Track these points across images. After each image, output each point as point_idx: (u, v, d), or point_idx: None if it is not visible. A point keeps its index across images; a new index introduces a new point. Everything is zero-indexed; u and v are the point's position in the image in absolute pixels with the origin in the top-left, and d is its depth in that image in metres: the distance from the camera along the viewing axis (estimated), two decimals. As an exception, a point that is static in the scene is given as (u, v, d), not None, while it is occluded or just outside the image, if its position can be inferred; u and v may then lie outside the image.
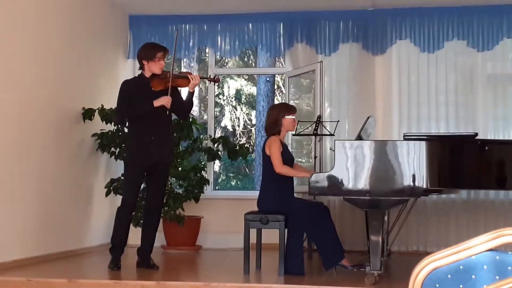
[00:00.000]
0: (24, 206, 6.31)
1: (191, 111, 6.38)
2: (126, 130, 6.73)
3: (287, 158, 5.95)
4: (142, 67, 6.07)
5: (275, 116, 6.00)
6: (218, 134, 13.85)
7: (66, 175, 7.09)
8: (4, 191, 5.99)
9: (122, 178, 6.68)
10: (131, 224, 6.17)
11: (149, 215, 6.17)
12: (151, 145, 5.87)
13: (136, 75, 6.54)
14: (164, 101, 5.86)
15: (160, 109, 5.87)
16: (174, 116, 6.36)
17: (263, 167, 6.07)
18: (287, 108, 6.12)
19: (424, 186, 5.12)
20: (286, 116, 5.99)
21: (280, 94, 14.85)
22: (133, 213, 6.23)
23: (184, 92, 6.35)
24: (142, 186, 6.28)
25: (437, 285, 1.95)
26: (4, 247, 5.97)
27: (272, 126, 6.00)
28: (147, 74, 6.02)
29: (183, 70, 14.50)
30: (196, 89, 6.22)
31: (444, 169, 5.30)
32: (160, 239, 7.61)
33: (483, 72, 8.02)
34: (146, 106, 5.89)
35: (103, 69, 8.11)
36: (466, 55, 8.06)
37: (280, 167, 5.81)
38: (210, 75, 6.95)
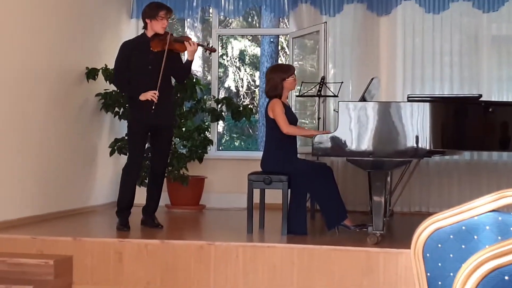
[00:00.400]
0: (29, 165, 6.34)
1: (188, 76, 6.34)
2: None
3: (291, 119, 5.95)
4: (145, 26, 6.06)
5: (275, 80, 5.97)
6: (222, 95, 13.79)
7: (70, 135, 7.11)
8: (8, 151, 6.02)
9: (126, 138, 6.70)
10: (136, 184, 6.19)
11: (153, 176, 6.20)
12: (151, 107, 5.86)
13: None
14: (149, 95, 5.83)
15: (162, 69, 5.84)
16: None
17: (266, 129, 6.08)
18: (286, 70, 6.08)
19: (427, 147, 5.13)
20: (286, 79, 5.98)
21: (284, 55, 14.78)
22: (139, 173, 6.25)
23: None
24: (147, 146, 6.29)
25: (439, 245, 1.97)
26: (9, 205, 6.02)
27: (273, 90, 5.98)
28: (150, 33, 6.01)
29: (186, 30, 14.42)
30: (197, 54, 6.19)
31: (447, 131, 5.30)
32: (164, 198, 7.65)
33: (488, 33, 7.98)
34: (133, 92, 5.95)
35: (106, 29, 8.07)
36: (471, 16, 8.00)
37: (287, 127, 5.82)
38: (207, 43, 6.90)
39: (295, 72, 6.20)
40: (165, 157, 6.25)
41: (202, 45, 6.34)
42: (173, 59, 6.03)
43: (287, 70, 6.08)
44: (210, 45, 6.60)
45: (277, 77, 5.98)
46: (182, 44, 6.01)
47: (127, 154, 6.18)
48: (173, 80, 6.30)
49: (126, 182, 6.03)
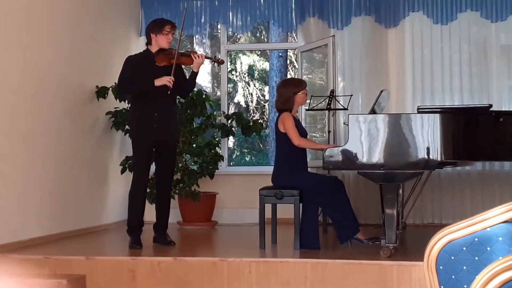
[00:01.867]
0: (41, 184, 6.35)
1: (192, 90, 6.36)
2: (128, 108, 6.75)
3: (301, 133, 5.94)
4: (149, 41, 6.07)
5: (286, 94, 5.98)
6: (232, 110, 13.85)
7: (81, 154, 7.13)
8: (20, 170, 6.04)
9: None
10: (146, 201, 6.19)
11: (159, 193, 6.20)
12: (154, 122, 5.88)
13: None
14: (166, 80, 5.85)
15: (162, 87, 5.87)
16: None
17: (277, 143, 6.07)
18: (298, 84, 6.09)
19: (439, 159, 5.11)
20: (298, 93, 5.98)
21: (292, 69, 14.80)
22: (147, 190, 6.25)
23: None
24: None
25: (452, 258, 1.95)
26: (21, 226, 6.03)
27: (284, 104, 5.99)
28: (154, 49, 6.03)
29: (195, 46, 14.48)
30: (204, 67, 6.21)
31: (458, 141, 5.28)
32: (176, 215, 7.66)
33: (496, 43, 7.96)
34: (147, 84, 5.90)
35: (116, 47, 8.11)
36: (479, 26, 7.99)
37: (298, 140, 5.82)
38: (215, 56, 6.93)
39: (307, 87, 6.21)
40: (171, 173, 6.24)
41: (209, 58, 6.35)
42: (178, 74, 6.05)
43: (299, 84, 6.09)
44: (218, 58, 6.60)
45: (288, 91, 5.99)
46: (188, 57, 6.04)
47: (133, 172, 6.16)
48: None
49: (134, 199, 6.02)
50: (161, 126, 5.90)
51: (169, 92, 5.83)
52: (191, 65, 6.05)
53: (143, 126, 5.92)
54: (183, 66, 6.26)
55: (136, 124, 6.05)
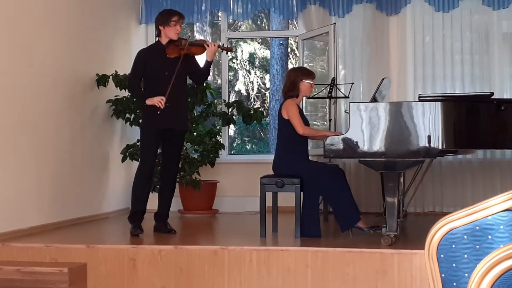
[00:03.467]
0: (41, 173, 6.35)
1: (207, 78, 6.38)
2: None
3: (304, 122, 5.93)
4: (159, 33, 6.10)
5: (293, 78, 5.98)
6: (232, 98, 13.84)
7: (81, 142, 7.12)
8: (20, 158, 6.03)
9: (138, 144, 6.70)
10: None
11: (164, 182, 6.20)
12: (165, 110, 5.88)
13: (149, 41, 6.54)
14: (156, 101, 5.84)
15: (174, 75, 5.86)
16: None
17: (279, 130, 6.06)
18: (306, 73, 6.10)
19: (440, 147, 5.10)
20: (304, 80, 5.97)
21: (294, 57, 14.78)
22: (152, 177, 6.24)
23: (201, 60, 6.32)
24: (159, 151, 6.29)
25: (453, 246, 1.95)
26: (22, 214, 6.03)
27: (290, 89, 5.98)
28: (164, 41, 6.06)
29: (196, 34, 14.44)
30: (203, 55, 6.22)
31: (460, 129, 5.27)
32: (176, 203, 7.66)
33: (498, 31, 7.93)
34: (139, 98, 6.11)
35: (116, 35, 8.09)
36: (481, 13, 7.96)
37: (303, 129, 5.81)
38: (223, 44, 6.93)
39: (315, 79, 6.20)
40: (177, 162, 6.25)
41: (220, 46, 6.34)
42: (190, 63, 6.06)
43: (308, 73, 6.10)
44: (227, 45, 6.61)
45: (296, 75, 6.00)
46: (199, 47, 6.07)
47: (139, 159, 6.18)
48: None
49: (138, 187, 6.03)
50: (171, 114, 5.90)
51: (158, 112, 5.83)
52: (201, 55, 6.07)
53: (153, 115, 5.91)
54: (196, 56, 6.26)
55: (147, 112, 6.04)
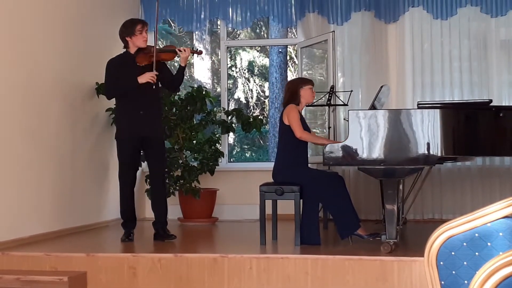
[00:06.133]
0: (41, 181, 6.35)
1: (182, 84, 6.40)
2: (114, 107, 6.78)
3: (304, 128, 5.95)
4: (126, 44, 6.15)
5: (293, 88, 6.01)
6: (232, 106, 13.85)
7: (81, 150, 7.13)
8: (20, 167, 6.04)
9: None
10: (146, 197, 6.23)
11: (153, 190, 6.27)
12: (140, 119, 5.94)
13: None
14: (148, 77, 5.90)
15: (146, 84, 5.92)
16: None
17: (279, 137, 6.08)
18: (305, 80, 6.17)
19: (439, 154, 5.11)
20: (304, 87, 5.99)
21: (292, 65, 14.80)
22: (134, 187, 6.32)
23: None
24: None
25: (452, 253, 1.95)
26: (22, 223, 6.03)
27: (291, 99, 6.00)
28: (132, 50, 6.11)
29: (195, 42, 14.46)
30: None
31: (458, 137, 5.27)
32: (176, 211, 7.66)
33: (496, 38, 7.96)
34: (131, 82, 5.96)
35: (115, 43, 8.05)
36: (479, 21, 7.98)
37: (301, 132, 5.82)
38: (193, 47, 6.98)
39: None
40: (162, 169, 6.25)
41: (192, 50, 6.32)
42: (162, 70, 6.11)
43: (306, 80, 6.16)
44: (196, 48, 6.63)
45: (295, 85, 6.04)
46: (169, 53, 6.15)
47: (119, 173, 6.23)
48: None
49: (123, 198, 6.19)
50: (147, 123, 5.99)
51: (153, 87, 5.89)
52: (173, 60, 6.13)
53: (128, 125, 5.99)
54: (167, 63, 6.30)
55: (122, 122, 6.11)
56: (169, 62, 6.49)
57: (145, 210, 8.14)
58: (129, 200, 6.19)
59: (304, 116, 7.81)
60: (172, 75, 6.22)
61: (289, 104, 6.00)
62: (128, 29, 6.08)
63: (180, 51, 6.06)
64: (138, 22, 6.14)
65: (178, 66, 6.19)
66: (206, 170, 7.91)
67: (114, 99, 6.40)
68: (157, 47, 6.16)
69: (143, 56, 6.04)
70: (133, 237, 6.15)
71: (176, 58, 6.44)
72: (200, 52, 6.42)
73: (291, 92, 6.01)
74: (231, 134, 9.42)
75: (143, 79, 5.92)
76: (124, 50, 6.20)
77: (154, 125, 6.08)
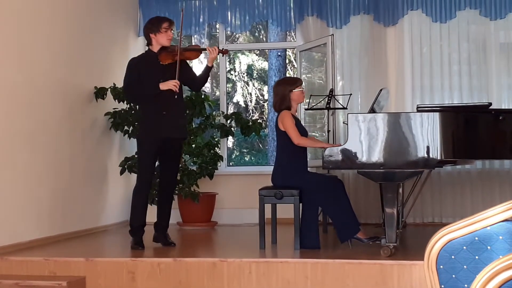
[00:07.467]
0: (40, 186, 6.34)
1: (205, 84, 6.34)
2: (137, 108, 6.74)
3: (301, 132, 5.93)
4: (149, 42, 6.03)
5: (282, 92, 5.97)
6: (231, 110, 13.84)
7: (80, 155, 7.12)
8: (19, 171, 6.03)
9: (136, 156, 6.68)
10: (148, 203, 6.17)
11: (163, 193, 6.16)
12: (163, 120, 5.85)
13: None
14: (171, 85, 5.81)
15: (168, 90, 5.84)
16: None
17: (277, 142, 6.06)
18: (292, 82, 6.07)
19: (439, 158, 5.10)
20: (293, 90, 5.97)
21: (292, 68, 14.80)
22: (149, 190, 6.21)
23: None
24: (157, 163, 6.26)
25: (452, 257, 1.94)
26: (21, 228, 6.02)
27: (281, 103, 5.97)
28: (155, 48, 5.99)
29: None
30: (203, 67, 6.19)
31: (458, 140, 5.27)
32: (175, 216, 7.65)
33: (496, 41, 7.95)
34: (153, 88, 5.85)
35: (114, 47, 8.10)
36: (478, 24, 7.98)
37: (298, 139, 5.80)
38: (219, 47, 6.88)
39: (303, 84, 6.19)
40: (175, 172, 6.20)
41: (219, 50, 6.22)
42: (185, 69, 6.02)
43: (294, 82, 6.07)
44: (222, 48, 6.51)
45: (283, 89, 5.97)
46: (193, 52, 6.04)
47: (138, 173, 6.12)
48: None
49: (138, 202, 5.97)
50: (169, 124, 5.88)
51: (175, 96, 5.82)
52: (196, 59, 6.05)
53: (151, 126, 5.89)
54: (188, 62, 6.23)
55: (145, 123, 6.00)
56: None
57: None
58: (145, 205, 6.01)
59: (302, 120, 7.85)
60: (195, 75, 6.13)
61: (280, 109, 5.97)
62: (154, 26, 5.98)
63: (209, 51, 5.96)
64: (165, 20, 6.03)
65: (205, 66, 6.08)
66: (205, 174, 7.90)
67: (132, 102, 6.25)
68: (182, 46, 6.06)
69: (167, 55, 5.94)
70: (144, 244, 5.95)
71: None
72: (226, 52, 6.33)
73: (281, 97, 5.97)
74: (230, 138, 9.42)
75: (165, 86, 5.82)
76: (147, 48, 6.12)
77: (177, 126, 5.96)
